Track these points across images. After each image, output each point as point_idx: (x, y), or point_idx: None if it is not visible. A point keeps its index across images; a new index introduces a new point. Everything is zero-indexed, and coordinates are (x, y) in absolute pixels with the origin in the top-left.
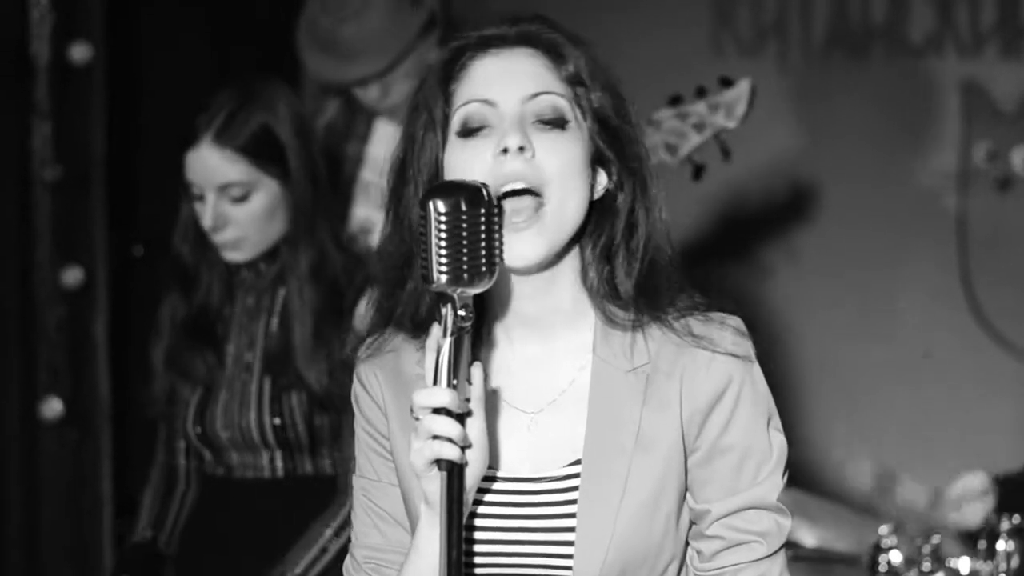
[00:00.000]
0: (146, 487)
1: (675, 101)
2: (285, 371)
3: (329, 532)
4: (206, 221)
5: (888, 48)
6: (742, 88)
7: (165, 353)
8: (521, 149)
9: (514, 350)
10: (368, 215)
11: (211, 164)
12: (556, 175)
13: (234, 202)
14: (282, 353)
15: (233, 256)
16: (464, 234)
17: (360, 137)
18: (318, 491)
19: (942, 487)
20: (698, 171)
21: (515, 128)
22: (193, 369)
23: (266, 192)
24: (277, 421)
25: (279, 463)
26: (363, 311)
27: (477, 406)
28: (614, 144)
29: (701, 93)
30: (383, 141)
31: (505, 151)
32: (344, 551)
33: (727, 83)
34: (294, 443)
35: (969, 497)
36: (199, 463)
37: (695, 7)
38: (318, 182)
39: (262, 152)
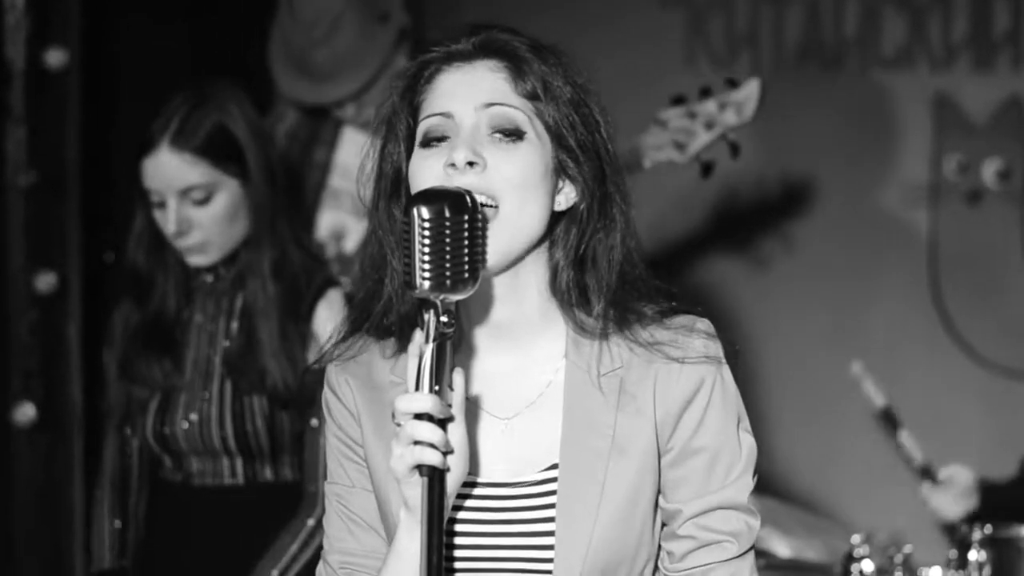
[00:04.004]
0: (96, 504)
1: (678, 101)
2: (246, 372)
3: (296, 546)
4: (169, 227)
5: (860, 61)
6: (752, 87)
7: (118, 362)
8: (471, 164)
9: (487, 358)
10: (338, 220)
11: (171, 168)
12: (509, 185)
13: (196, 205)
14: (244, 354)
15: (198, 260)
16: (447, 241)
17: (327, 143)
18: (278, 498)
19: (931, 460)
20: (707, 169)
21: (466, 142)
22: (149, 376)
23: (227, 192)
24: (242, 428)
25: (239, 470)
26: (323, 315)
27: (458, 412)
28: (574, 158)
29: (706, 93)
30: (351, 147)
31: (453, 165)
32: (313, 562)
33: (733, 83)
34: (255, 449)
35: (956, 483)
36: (153, 469)
37: (669, 19)
38: (275, 181)
39: (220, 152)
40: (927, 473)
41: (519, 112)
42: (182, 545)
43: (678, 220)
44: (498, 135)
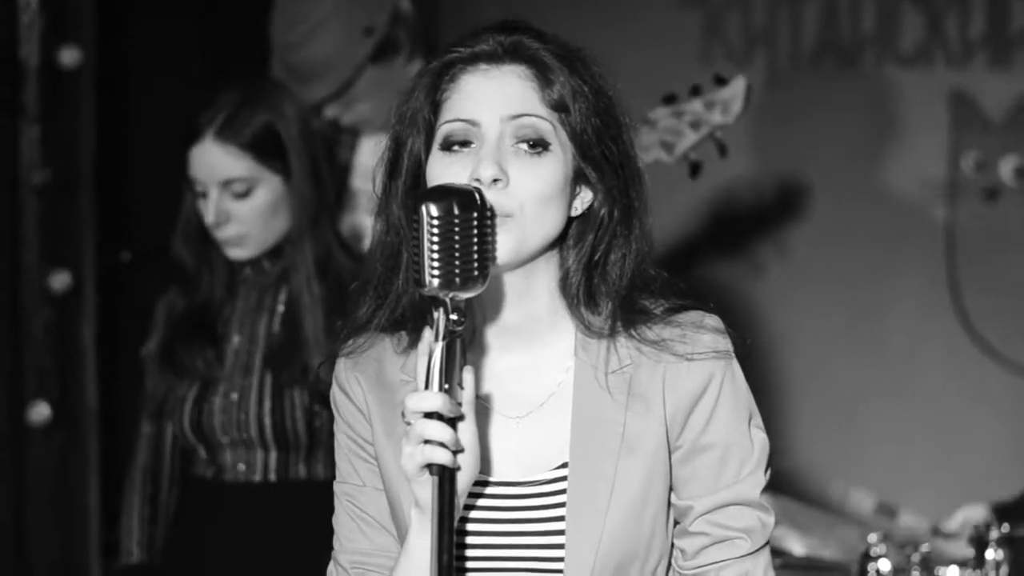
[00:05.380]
0: (127, 497)
1: (669, 100)
2: (288, 367)
3: None
4: (209, 217)
5: (877, 58)
6: (738, 85)
7: (160, 349)
8: (495, 181)
9: (498, 357)
10: (358, 222)
11: (214, 160)
12: (530, 199)
13: (236, 198)
14: (286, 349)
15: (236, 253)
16: (456, 238)
17: (348, 145)
18: (310, 497)
19: (940, 520)
20: (695, 169)
21: (491, 155)
22: (190, 365)
23: (268, 188)
24: (281, 419)
25: (272, 463)
26: None
27: (468, 410)
28: (597, 168)
29: (696, 91)
30: (370, 149)
31: (478, 180)
32: None
33: (721, 81)
34: (292, 442)
35: (967, 528)
36: (185, 465)
37: (685, 17)
38: (321, 181)
39: (264, 148)
40: (937, 532)
41: (545, 123)
42: (212, 541)
43: (705, 211)
44: (523, 145)
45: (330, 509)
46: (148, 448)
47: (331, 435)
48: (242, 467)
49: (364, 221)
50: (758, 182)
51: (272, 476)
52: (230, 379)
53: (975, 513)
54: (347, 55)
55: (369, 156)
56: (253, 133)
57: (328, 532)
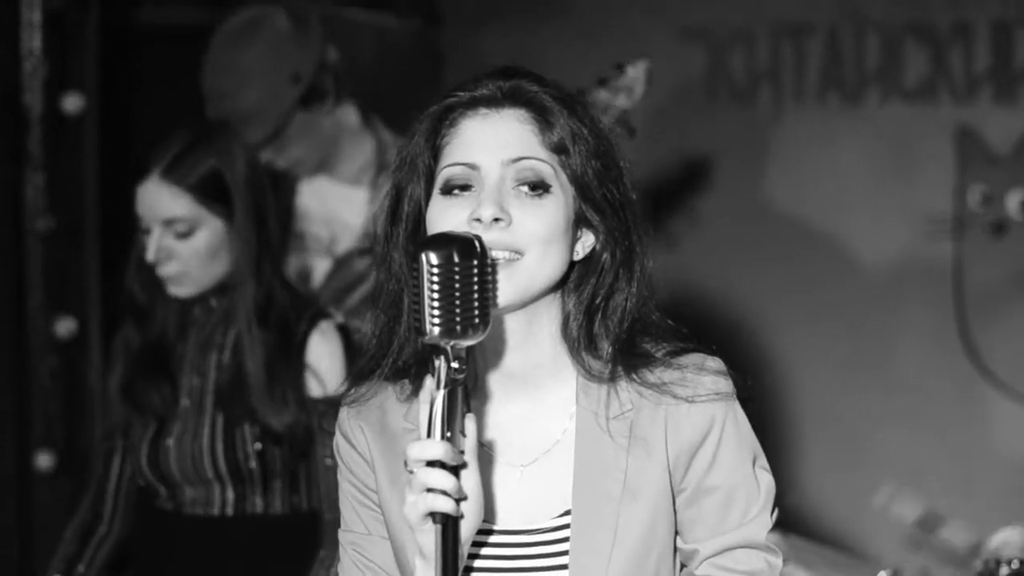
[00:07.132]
0: (71, 521)
1: (578, 93)
2: (236, 405)
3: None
4: (149, 254)
5: (882, 93)
6: (639, 69)
7: (120, 384)
8: (496, 220)
9: (501, 404)
10: (303, 263)
11: (157, 199)
12: (534, 240)
13: (178, 237)
14: (234, 388)
15: (176, 291)
16: (457, 286)
17: (288, 188)
18: (267, 532)
19: (982, 540)
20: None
21: (492, 197)
22: (148, 401)
23: (210, 230)
24: (233, 455)
25: (230, 497)
26: (317, 347)
27: (471, 458)
28: (598, 210)
29: (603, 82)
30: (311, 192)
31: (479, 220)
32: None
33: (621, 67)
34: (245, 474)
35: (1010, 549)
36: (144, 500)
37: (689, 53)
38: (264, 226)
39: (208, 191)
40: (977, 551)
41: (545, 165)
42: (172, 573)
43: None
44: (524, 188)
45: (287, 541)
46: (94, 486)
47: (284, 467)
48: (200, 504)
49: (307, 261)
50: (761, 215)
51: (230, 510)
52: (184, 418)
53: (1015, 535)
54: (276, 102)
55: (310, 199)
56: (198, 175)
57: (286, 563)
